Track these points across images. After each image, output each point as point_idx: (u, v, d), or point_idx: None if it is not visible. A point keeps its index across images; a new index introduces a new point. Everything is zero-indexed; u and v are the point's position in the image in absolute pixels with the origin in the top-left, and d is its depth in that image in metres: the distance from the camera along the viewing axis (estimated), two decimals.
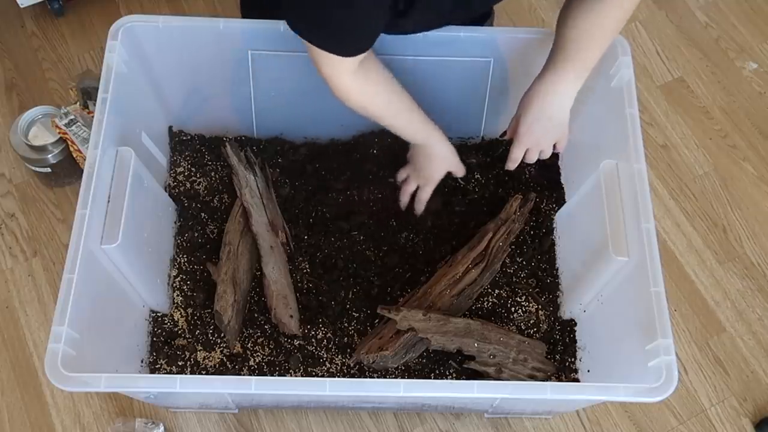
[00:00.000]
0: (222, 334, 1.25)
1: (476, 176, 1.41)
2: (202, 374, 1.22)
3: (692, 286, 1.48)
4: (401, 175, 1.33)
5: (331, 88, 1.04)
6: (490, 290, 1.29)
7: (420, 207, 1.32)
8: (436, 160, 1.25)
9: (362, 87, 1.05)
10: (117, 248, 1.06)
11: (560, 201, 1.38)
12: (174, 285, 1.29)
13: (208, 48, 1.24)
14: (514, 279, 1.31)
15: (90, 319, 1.02)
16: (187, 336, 1.26)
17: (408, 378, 1.21)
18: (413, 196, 1.33)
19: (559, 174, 1.41)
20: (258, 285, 1.28)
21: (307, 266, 1.31)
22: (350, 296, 1.29)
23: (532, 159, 1.20)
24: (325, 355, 1.24)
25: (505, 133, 1.23)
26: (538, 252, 1.34)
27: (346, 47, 0.96)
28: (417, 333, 1.15)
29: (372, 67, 1.06)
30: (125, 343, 1.18)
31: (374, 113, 1.11)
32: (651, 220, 1.07)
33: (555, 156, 1.40)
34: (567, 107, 1.12)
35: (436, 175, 1.27)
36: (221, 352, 1.24)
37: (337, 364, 1.23)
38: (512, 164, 1.21)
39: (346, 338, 1.25)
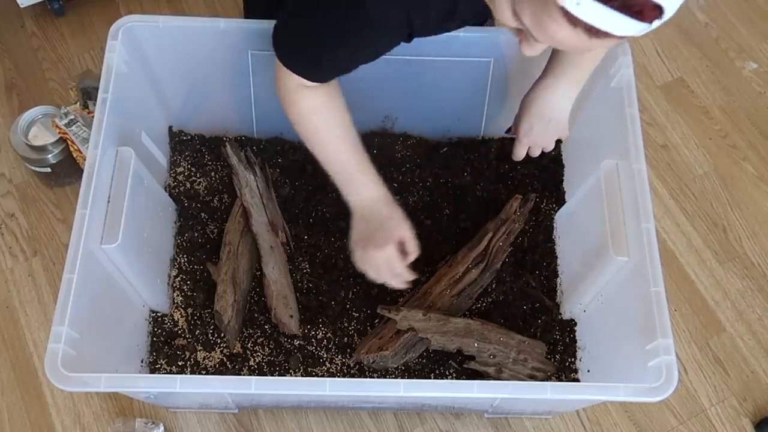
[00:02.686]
0: (222, 334, 1.25)
1: (476, 175, 1.41)
2: (202, 374, 1.21)
3: (692, 286, 1.48)
4: (355, 259, 1.10)
5: (281, 90, 1.02)
6: (490, 290, 1.29)
7: (400, 282, 1.10)
8: (383, 228, 1.05)
9: (300, 96, 1.02)
10: (117, 248, 1.06)
11: (560, 201, 1.38)
12: (174, 285, 1.29)
13: (208, 48, 1.24)
14: (514, 279, 1.30)
15: (90, 319, 1.02)
16: (187, 336, 1.25)
17: (408, 378, 1.21)
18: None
19: (560, 174, 1.41)
20: (258, 285, 1.28)
21: (307, 266, 1.31)
22: (350, 296, 1.29)
23: (535, 154, 1.24)
24: (325, 355, 1.24)
25: (509, 129, 1.26)
26: (538, 252, 1.34)
27: (317, 77, 0.98)
28: (417, 333, 1.15)
29: (333, 96, 1.04)
30: (125, 343, 1.18)
31: (305, 129, 1.04)
32: (651, 220, 1.07)
33: (556, 156, 1.41)
34: (567, 109, 1.14)
35: (386, 252, 1.04)
36: (221, 352, 1.24)
37: (337, 364, 1.23)
38: (516, 159, 1.26)
39: (346, 338, 1.25)
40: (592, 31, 0.67)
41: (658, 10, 0.65)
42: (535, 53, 0.77)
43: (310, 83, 1.00)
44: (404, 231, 1.07)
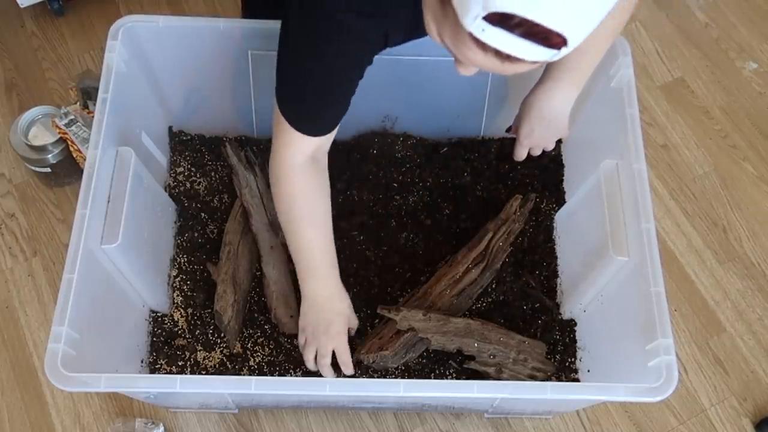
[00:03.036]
0: (222, 334, 1.25)
1: (476, 175, 1.41)
2: (202, 374, 1.21)
3: (692, 286, 1.48)
4: (300, 342, 1.15)
5: (274, 162, 1.04)
6: (490, 290, 1.29)
7: (348, 370, 1.13)
8: (334, 322, 1.10)
9: (299, 177, 1.03)
10: (117, 248, 1.06)
11: (560, 201, 1.38)
12: (174, 285, 1.29)
13: (208, 48, 1.24)
14: (514, 279, 1.30)
15: (90, 319, 1.02)
16: (187, 336, 1.25)
17: (408, 378, 1.21)
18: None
19: (560, 174, 1.41)
20: (258, 285, 1.28)
21: None
22: (350, 296, 1.29)
23: (536, 154, 1.26)
24: None
25: (510, 128, 1.26)
26: (538, 252, 1.34)
27: (311, 129, 0.99)
28: (417, 333, 1.15)
29: (319, 173, 1.06)
30: (125, 343, 1.18)
31: (289, 209, 1.06)
32: (651, 220, 1.07)
33: (556, 156, 1.41)
34: (566, 111, 1.14)
35: (333, 342, 1.09)
36: (221, 352, 1.24)
37: (338, 364, 1.23)
38: (518, 159, 1.27)
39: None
40: (503, 56, 0.68)
41: (563, 39, 0.65)
42: (468, 74, 0.78)
43: (304, 144, 1.01)
44: (354, 325, 1.16)
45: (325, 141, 1.04)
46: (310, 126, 0.99)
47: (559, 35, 0.65)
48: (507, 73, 0.72)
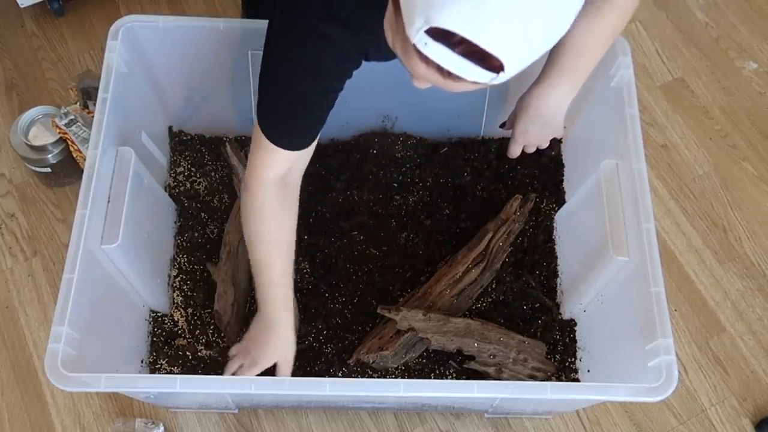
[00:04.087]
0: (222, 334, 1.25)
1: (476, 175, 1.41)
2: (202, 374, 1.21)
3: (692, 286, 1.48)
4: (232, 351, 1.15)
5: (247, 177, 1.03)
6: (490, 290, 1.29)
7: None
8: (272, 342, 1.09)
9: (268, 198, 1.02)
10: (117, 248, 1.06)
11: (560, 201, 1.38)
12: (174, 285, 1.29)
13: (208, 48, 1.24)
14: (514, 279, 1.30)
15: (90, 319, 1.02)
16: (187, 336, 1.25)
17: (408, 378, 1.21)
18: None
19: (560, 174, 1.41)
20: None
21: (307, 266, 1.31)
22: (350, 296, 1.29)
23: (530, 151, 1.25)
24: (325, 355, 1.24)
25: (504, 124, 1.25)
26: (538, 252, 1.34)
27: (286, 142, 0.98)
28: (417, 333, 1.15)
29: (289, 196, 1.05)
30: (125, 343, 1.18)
31: (256, 231, 1.05)
32: (651, 220, 1.07)
33: (556, 156, 1.41)
34: (562, 111, 1.14)
35: (264, 361, 1.09)
36: (221, 352, 1.24)
37: (338, 365, 1.23)
38: (512, 156, 1.25)
39: (346, 338, 1.25)
40: (444, 72, 0.69)
41: (501, 63, 0.66)
42: (422, 86, 0.77)
43: (280, 159, 1.00)
44: (289, 355, 1.10)
45: (301, 159, 1.02)
46: (286, 139, 0.98)
47: (496, 59, 0.66)
48: (452, 90, 0.73)
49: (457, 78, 0.69)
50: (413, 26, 0.66)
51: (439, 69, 0.68)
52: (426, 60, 0.68)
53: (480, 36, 0.64)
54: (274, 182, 1.02)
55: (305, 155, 1.02)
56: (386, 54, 0.90)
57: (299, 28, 0.89)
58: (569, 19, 0.68)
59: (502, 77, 0.68)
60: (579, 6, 0.68)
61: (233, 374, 1.11)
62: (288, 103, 0.95)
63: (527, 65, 0.69)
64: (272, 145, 0.97)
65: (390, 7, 0.73)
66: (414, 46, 0.67)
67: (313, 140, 1.01)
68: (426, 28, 0.65)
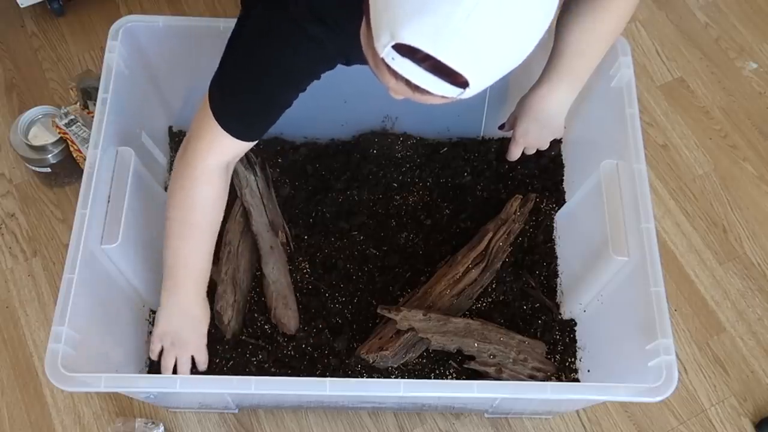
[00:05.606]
0: (222, 335, 1.25)
1: (476, 175, 1.41)
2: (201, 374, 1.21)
3: (692, 286, 1.48)
4: (157, 347, 1.13)
5: (181, 159, 1.02)
6: (490, 290, 1.29)
7: (203, 366, 1.16)
8: (191, 321, 1.11)
9: (207, 185, 1.02)
10: (117, 248, 1.06)
11: (560, 201, 1.38)
12: None
13: (208, 48, 1.24)
14: (514, 279, 1.30)
15: (90, 319, 1.02)
16: None
17: (408, 378, 1.21)
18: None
19: (560, 174, 1.41)
20: (258, 285, 1.28)
21: (307, 266, 1.31)
22: (350, 296, 1.29)
23: (530, 153, 1.25)
24: (325, 356, 1.24)
25: (503, 126, 1.26)
26: (538, 252, 1.34)
27: (241, 131, 0.98)
28: (417, 333, 1.15)
29: (225, 184, 1.05)
30: (125, 344, 1.18)
31: (183, 217, 1.04)
32: (651, 220, 1.07)
33: (556, 156, 1.41)
34: (562, 114, 1.15)
35: (191, 344, 1.11)
36: (221, 352, 1.24)
37: (337, 364, 1.23)
38: (511, 159, 1.26)
39: (346, 338, 1.25)
40: (412, 86, 0.69)
41: (465, 80, 0.67)
42: (398, 98, 0.77)
43: (227, 154, 1.00)
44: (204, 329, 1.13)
45: (244, 150, 1.02)
46: (242, 128, 0.97)
47: (461, 75, 0.66)
48: (423, 102, 0.73)
49: (425, 92, 0.69)
50: (380, 41, 0.67)
51: (408, 83, 0.69)
52: (395, 74, 0.69)
53: (443, 53, 0.64)
54: (216, 169, 1.01)
55: (251, 145, 1.02)
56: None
57: (279, 24, 0.88)
58: (536, 37, 0.68)
59: (468, 93, 0.69)
60: (546, 25, 0.68)
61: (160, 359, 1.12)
62: (252, 92, 0.94)
63: (493, 82, 0.69)
64: (225, 132, 0.96)
65: (364, 19, 0.73)
66: (383, 60, 0.68)
67: (263, 133, 1.01)
68: (392, 43, 0.66)
